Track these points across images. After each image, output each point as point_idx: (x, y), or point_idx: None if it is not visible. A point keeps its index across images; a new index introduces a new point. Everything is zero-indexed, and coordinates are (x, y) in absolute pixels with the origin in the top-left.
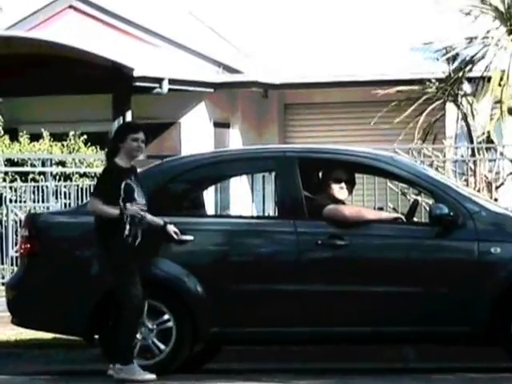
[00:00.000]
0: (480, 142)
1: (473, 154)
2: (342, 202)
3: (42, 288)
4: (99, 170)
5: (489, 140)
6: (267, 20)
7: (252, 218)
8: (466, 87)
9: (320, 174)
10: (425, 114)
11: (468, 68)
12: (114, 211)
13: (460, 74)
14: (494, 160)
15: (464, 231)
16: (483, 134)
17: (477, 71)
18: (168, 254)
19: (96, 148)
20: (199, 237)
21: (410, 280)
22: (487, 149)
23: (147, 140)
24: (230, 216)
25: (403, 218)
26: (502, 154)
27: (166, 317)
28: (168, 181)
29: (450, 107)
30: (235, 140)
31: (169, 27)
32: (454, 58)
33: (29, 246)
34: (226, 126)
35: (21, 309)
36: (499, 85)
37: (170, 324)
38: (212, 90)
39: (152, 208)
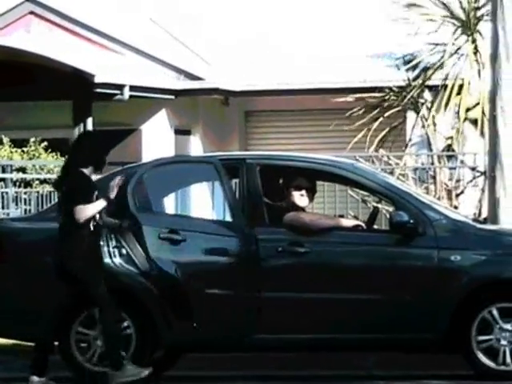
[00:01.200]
0: (442, 150)
1: (433, 162)
2: (302, 209)
3: (5, 293)
4: None
5: (449, 148)
6: (228, 28)
7: (211, 222)
8: (427, 95)
9: (281, 181)
10: (382, 120)
11: (428, 76)
12: (102, 203)
13: (420, 81)
14: (455, 168)
15: (424, 239)
16: (445, 141)
17: (437, 79)
18: (127, 260)
19: (56, 154)
20: (158, 243)
21: (370, 287)
22: (448, 157)
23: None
24: (190, 218)
25: (363, 225)
26: (462, 161)
27: (126, 323)
28: (127, 187)
29: (410, 115)
30: (196, 147)
31: (130, 34)
32: (415, 66)
33: None
34: (187, 133)
35: None
36: (459, 93)
37: (130, 331)
38: (173, 97)
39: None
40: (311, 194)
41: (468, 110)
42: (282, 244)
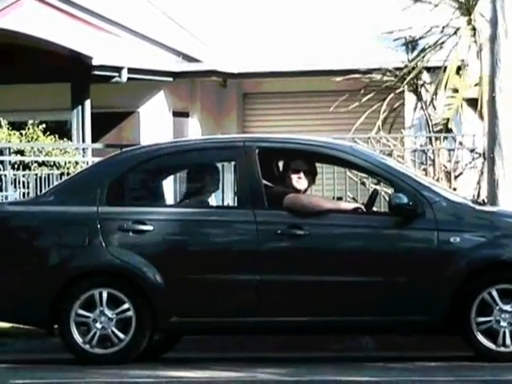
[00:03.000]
0: (439, 131)
1: (432, 144)
2: (301, 192)
3: (2, 278)
4: (58, 158)
5: (448, 130)
6: (227, 9)
7: (211, 207)
8: (426, 77)
9: (279, 164)
10: (385, 102)
11: (427, 57)
12: None
13: (419, 63)
14: (453, 150)
15: (423, 221)
16: (442, 123)
17: (436, 61)
18: (127, 243)
19: (55, 137)
20: (158, 227)
21: (369, 270)
22: (446, 138)
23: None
24: (190, 205)
25: (363, 207)
26: (460, 143)
27: (126, 306)
28: (126, 171)
29: (409, 97)
30: (194, 129)
31: (128, 16)
32: (414, 47)
33: None
34: (185, 115)
35: None
36: (457, 74)
37: (130, 313)
38: (171, 80)
39: (110, 198)
40: (310, 176)
41: (467, 91)
42: (281, 227)
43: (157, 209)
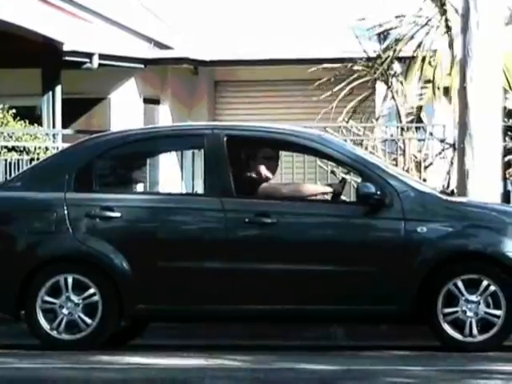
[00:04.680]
0: (411, 122)
1: (402, 134)
2: (269, 180)
3: None
4: (28, 144)
5: (419, 120)
6: None
7: (179, 195)
8: (397, 67)
9: (247, 152)
10: (351, 92)
11: (399, 47)
12: None
13: (390, 53)
14: (424, 140)
15: (391, 210)
16: (412, 113)
17: (407, 51)
18: (95, 230)
19: (25, 122)
20: (126, 213)
21: (336, 259)
22: (417, 128)
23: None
24: (158, 193)
25: (338, 189)
26: (431, 133)
27: (92, 291)
28: (95, 157)
29: (380, 86)
30: (165, 116)
31: (100, 2)
32: (385, 36)
33: None
34: (156, 102)
35: None
36: (430, 65)
37: (96, 298)
38: (142, 66)
39: (78, 185)
40: (276, 164)
41: (438, 81)
42: (249, 215)
43: (125, 195)
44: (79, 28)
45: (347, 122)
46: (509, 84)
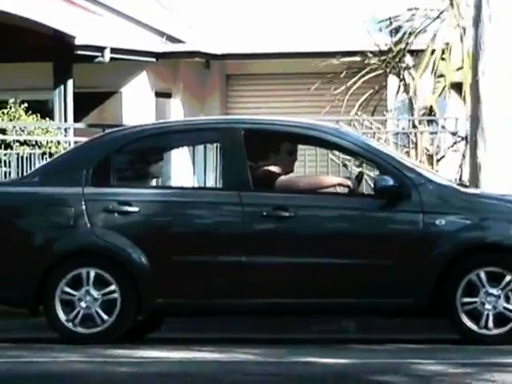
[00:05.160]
0: (422, 115)
1: (414, 127)
2: (287, 174)
3: None
4: (40, 138)
5: (431, 113)
6: None
7: (197, 189)
8: (409, 60)
9: (265, 146)
10: (363, 85)
11: (410, 40)
12: None
13: (402, 46)
14: (436, 133)
15: (409, 203)
16: (425, 107)
17: (419, 44)
18: (113, 224)
19: (37, 116)
20: (144, 208)
21: (354, 252)
22: (429, 121)
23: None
24: (175, 187)
25: (355, 183)
26: (443, 127)
27: (112, 287)
28: (112, 152)
29: (392, 80)
30: (177, 110)
31: None
32: (397, 30)
33: None
34: (168, 96)
35: None
36: (442, 58)
37: (115, 295)
38: (154, 60)
39: (96, 179)
40: (294, 158)
41: (450, 74)
42: (267, 209)
43: (142, 190)
44: (91, 22)
45: (359, 116)
46: None
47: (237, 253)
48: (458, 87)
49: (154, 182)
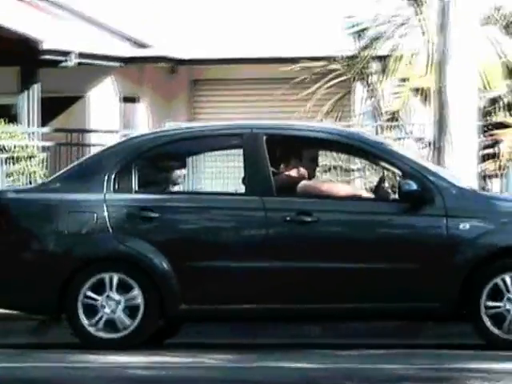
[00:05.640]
0: (389, 120)
1: (381, 132)
2: (310, 178)
3: (9, 267)
4: (6, 142)
5: (396, 118)
6: None
7: (219, 194)
8: (374, 65)
9: (287, 151)
10: (329, 90)
11: (376, 46)
12: None
13: (368, 52)
14: (401, 138)
15: (433, 207)
16: (391, 112)
17: (385, 50)
18: (135, 230)
19: (5, 121)
20: (166, 214)
21: (378, 256)
22: (397, 127)
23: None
24: (197, 193)
25: (372, 195)
26: (411, 132)
27: (135, 292)
28: (134, 158)
29: (358, 85)
30: (142, 115)
31: (78, 0)
32: (364, 35)
33: None
34: (134, 100)
35: None
36: (408, 64)
37: (138, 300)
38: (121, 65)
39: (118, 185)
40: (316, 163)
41: (415, 80)
42: (290, 214)
43: (164, 196)
44: (56, 26)
45: (322, 121)
46: (483, 83)
47: (261, 258)
48: (423, 92)
49: (175, 188)
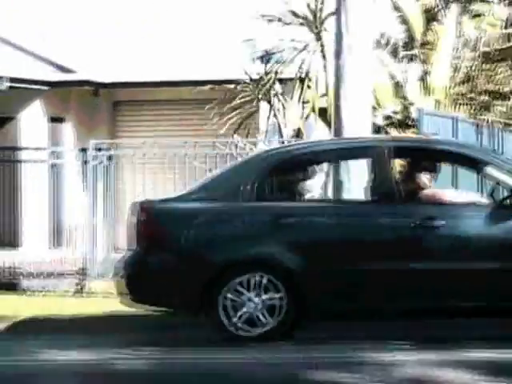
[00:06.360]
0: (292, 137)
1: None
2: (431, 187)
3: (159, 268)
4: None
5: (298, 135)
6: (98, 23)
7: (351, 202)
8: (278, 87)
9: (411, 161)
10: (238, 110)
11: (279, 69)
12: None
13: (272, 75)
14: None
15: None
16: (294, 130)
17: (288, 73)
18: (276, 235)
19: None
20: (300, 220)
21: (500, 258)
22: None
23: None
24: (330, 201)
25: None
26: None
27: (279, 293)
28: (270, 169)
29: (263, 105)
30: (69, 134)
31: (8, 29)
32: (268, 60)
33: (148, 230)
34: (61, 120)
35: (138, 287)
36: (309, 86)
37: (281, 300)
38: (48, 88)
39: (255, 194)
40: (436, 172)
41: (316, 101)
42: (418, 219)
43: (297, 204)
44: None
45: (233, 137)
46: (377, 102)
47: (391, 261)
48: (323, 112)
49: (309, 196)
